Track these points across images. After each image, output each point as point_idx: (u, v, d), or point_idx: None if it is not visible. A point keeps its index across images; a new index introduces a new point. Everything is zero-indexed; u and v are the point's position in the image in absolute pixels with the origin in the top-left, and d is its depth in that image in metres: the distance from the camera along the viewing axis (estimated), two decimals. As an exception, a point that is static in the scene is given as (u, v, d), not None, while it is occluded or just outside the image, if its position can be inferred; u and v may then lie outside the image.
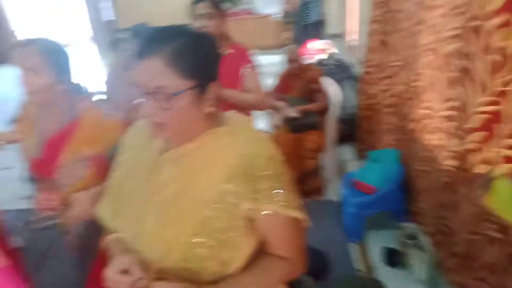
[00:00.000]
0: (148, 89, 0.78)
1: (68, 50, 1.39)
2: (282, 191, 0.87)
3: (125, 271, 0.84)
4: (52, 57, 1.30)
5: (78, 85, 1.46)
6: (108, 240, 1.00)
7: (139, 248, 0.91)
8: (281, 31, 7.88)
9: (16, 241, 2.57)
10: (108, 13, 7.93)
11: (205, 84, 0.83)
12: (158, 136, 0.88)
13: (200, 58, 0.81)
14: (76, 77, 1.42)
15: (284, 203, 0.87)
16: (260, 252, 0.94)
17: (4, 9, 8.02)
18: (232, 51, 2.03)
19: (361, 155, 3.45)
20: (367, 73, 2.67)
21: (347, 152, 3.71)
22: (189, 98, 0.81)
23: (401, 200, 2.44)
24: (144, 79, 0.78)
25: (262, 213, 0.86)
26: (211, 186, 0.86)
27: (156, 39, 0.79)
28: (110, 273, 0.86)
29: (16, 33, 8.22)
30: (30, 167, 1.55)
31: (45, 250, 2.61)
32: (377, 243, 2.39)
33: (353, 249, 2.47)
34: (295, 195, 0.91)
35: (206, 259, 0.87)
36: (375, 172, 2.53)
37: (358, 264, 2.37)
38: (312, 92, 3.05)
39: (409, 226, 2.19)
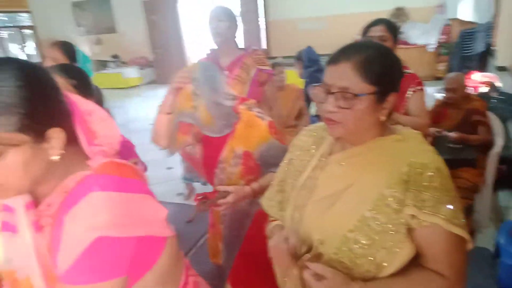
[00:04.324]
0: (335, 89, 0.89)
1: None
2: (447, 205, 0.86)
3: (285, 240, 0.94)
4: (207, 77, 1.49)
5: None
6: (271, 226, 1.11)
7: (296, 237, 0.99)
8: (437, 62, 7.42)
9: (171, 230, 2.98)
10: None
11: (385, 93, 0.91)
12: (332, 134, 0.97)
13: (385, 69, 0.90)
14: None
15: (448, 218, 0.85)
16: (415, 264, 0.91)
17: (183, 39, 9.61)
18: (409, 71, 2.02)
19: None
20: None
21: (506, 197, 3.23)
22: (368, 102, 0.89)
23: None
24: (334, 80, 0.90)
25: (423, 224, 0.86)
26: (373, 189, 0.90)
27: (349, 49, 0.92)
28: (273, 241, 0.97)
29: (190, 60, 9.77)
30: (197, 165, 1.80)
31: (193, 242, 2.95)
32: (541, 307, 2.01)
33: (508, 308, 2.12)
34: (461, 212, 0.88)
35: (360, 257, 0.89)
36: (545, 224, 2.15)
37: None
38: (473, 124, 2.78)
39: None
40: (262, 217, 1.53)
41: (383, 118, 0.93)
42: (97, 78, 9.50)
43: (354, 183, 0.93)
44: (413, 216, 0.86)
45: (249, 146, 1.53)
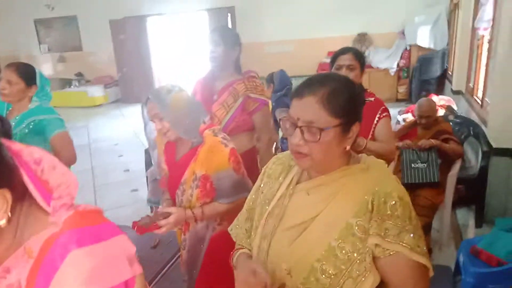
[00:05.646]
0: (302, 123, 0.90)
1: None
2: (409, 234, 0.88)
3: (253, 273, 0.92)
4: (164, 105, 1.50)
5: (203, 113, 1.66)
6: (237, 255, 1.10)
7: (264, 266, 0.98)
8: (398, 85, 7.75)
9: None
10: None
11: (350, 124, 0.93)
12: (300, 166, 0.98)
13: (349, 101, 0.92)
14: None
15: (411, 246, 0.87)
16: None
17: (150, 58, 9.53)
18: (371, 99, 2.08)
19: (482, 220, 3.11)
20: None
21: (464, 216, 3.37)
22: (334, 134, 0.90)
23: (534, 278, 2.10)
24: (299, 114, 0.91)
25: (387, 252, 0.87)
26: (339, 218, 0.91)
27: (313, 83, 0.93)
28: (241, 274, 0.95)
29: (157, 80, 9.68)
30: (162, 185, 1.78)
31: (159, 268, 2.85)
32: (500, 324, 2.07)
33: (469, 326, 2.17)
34: (422, 241, 0.91)
35: (327, 287, 0.89)
36: (503, 242, 2.24)
37: None
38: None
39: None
40: (218, 242, 1.58)
41: (348, 147, 0.95)
42: (60, 96, 9.23)
43: (321, 213, 0.93)
44: (377, 245, 0.87)
45: (208, 170, 1.54)
